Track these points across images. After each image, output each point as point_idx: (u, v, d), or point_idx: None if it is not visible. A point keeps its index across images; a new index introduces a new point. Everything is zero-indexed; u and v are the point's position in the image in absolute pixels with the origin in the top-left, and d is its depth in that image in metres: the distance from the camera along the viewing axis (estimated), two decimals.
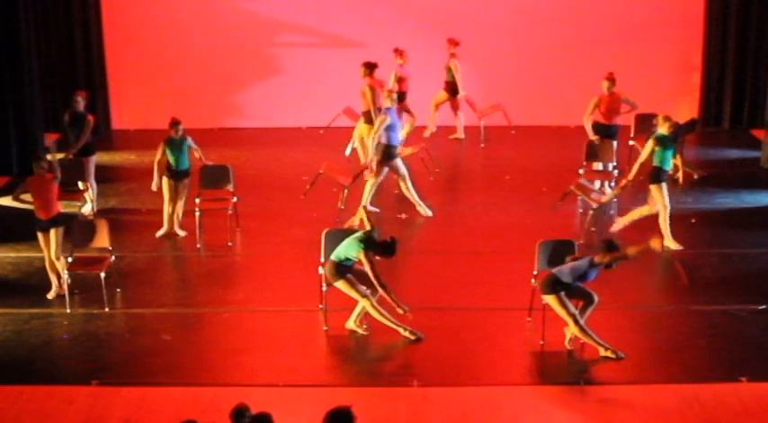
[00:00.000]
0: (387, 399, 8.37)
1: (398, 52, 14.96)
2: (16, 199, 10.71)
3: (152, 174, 11.92)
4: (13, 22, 14.01)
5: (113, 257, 10.47)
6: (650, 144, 11.12)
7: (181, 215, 12.02)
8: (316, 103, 16.49)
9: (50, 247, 10.26)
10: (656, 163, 11.11)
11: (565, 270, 8.96)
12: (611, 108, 12.97)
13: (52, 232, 10.23)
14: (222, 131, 15.56)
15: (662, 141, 11.08)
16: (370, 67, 13.52)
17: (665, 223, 11.21)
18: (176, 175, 11.85)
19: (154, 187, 11.95)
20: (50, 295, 10.32)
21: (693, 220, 12.35)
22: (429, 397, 8.41)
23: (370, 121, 13.21)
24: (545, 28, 16.49)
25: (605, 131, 13.01)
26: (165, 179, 11.86)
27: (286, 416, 6.70)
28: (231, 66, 16.60)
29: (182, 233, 12.03)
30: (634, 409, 8.08)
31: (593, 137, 12.82)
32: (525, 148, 15.54)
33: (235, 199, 12.05)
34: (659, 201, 11.16)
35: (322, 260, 9.72)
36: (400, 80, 14.80)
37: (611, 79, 12.93)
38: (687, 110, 16.31)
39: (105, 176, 14.18)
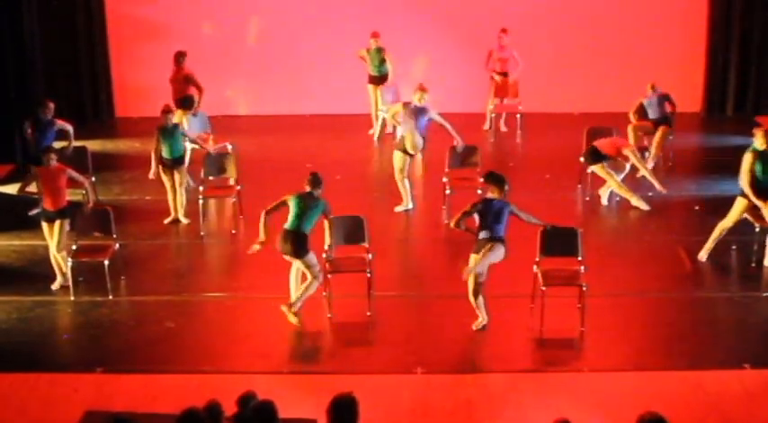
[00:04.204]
0: (391, 386, 8.39)
1: (504, 32, 15.25)
2: (21, 191, 10.68)
3: None
4: (16, 10, 14.00)
5: (117, 245, 10.48)
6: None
7: (184, 203, 12.03)
8: (319, 90, 16.46)
9: (54, 238, 10.22)
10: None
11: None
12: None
13: (57, 224, 10.17)
14: (225, 119, 15.50)
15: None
16: (181, 56, 13.92)
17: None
18: (168, 163, 11.84)
19: (151, 175, 11.93)
20: (54, 287, 10.30)
21: (697, 208, 12.31)
22: (433, 384, 8.43)
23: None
24: (544, 14, 16.40)
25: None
26: (161, 168, 11.87)
27: (290, 403, 6.71)
28: (235, 52, 16.56)
29: (185, 221, 12.04)
30: (638, 396, 8.07)
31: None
32: (528, 135, 15.48)
33: (238, 187, 12.05)
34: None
35: None
36: (500, 60, 15.35)
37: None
38: (691, 95, 16.25)
39: (109, 164, 14.18)
